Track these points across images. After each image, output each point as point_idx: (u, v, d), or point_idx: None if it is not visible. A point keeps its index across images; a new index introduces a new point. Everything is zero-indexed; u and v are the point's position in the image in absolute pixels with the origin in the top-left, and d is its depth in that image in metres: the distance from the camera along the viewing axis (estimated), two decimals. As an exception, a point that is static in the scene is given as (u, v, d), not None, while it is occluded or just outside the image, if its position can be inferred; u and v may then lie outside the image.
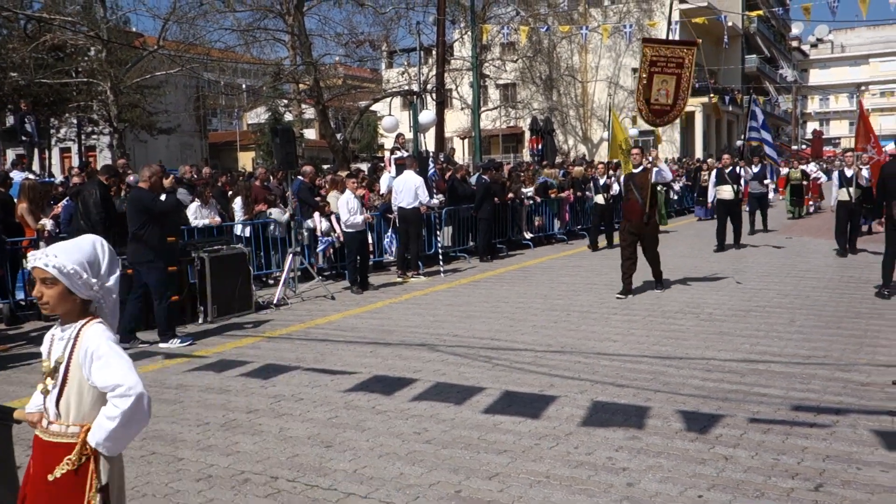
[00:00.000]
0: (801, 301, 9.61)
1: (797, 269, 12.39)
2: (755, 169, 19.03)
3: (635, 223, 10.28)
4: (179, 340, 8.22)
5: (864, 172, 13.81)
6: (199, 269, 9.46)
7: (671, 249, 15.64)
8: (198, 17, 26.17)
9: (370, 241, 13.83)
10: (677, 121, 46.11)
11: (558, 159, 28.42)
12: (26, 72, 24.97)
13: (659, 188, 18.71)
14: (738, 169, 15.88)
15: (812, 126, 73.69)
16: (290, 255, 11.10)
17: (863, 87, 79.57)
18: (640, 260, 10.50)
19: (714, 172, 16.64)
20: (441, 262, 13.22)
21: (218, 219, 11.68)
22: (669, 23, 15.78)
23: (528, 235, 16.93)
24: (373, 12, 28.42)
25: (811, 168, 26.21)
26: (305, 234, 12.30)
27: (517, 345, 7.76)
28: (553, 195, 17.79)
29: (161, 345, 8.15)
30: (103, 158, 31.27)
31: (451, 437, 5.09)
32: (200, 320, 9.45)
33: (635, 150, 10.62)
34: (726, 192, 15.35)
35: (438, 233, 13.82)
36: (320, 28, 40.94)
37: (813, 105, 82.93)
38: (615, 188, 15.48)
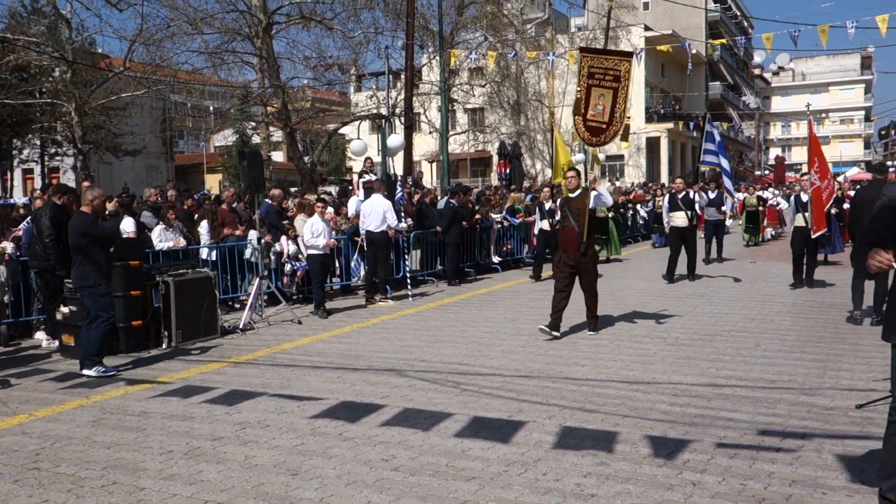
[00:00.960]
0: (765, 325, 9.72)
1: (762, 294, 12.55)
2: (712, 195, 18.08)
3: (572, 253, 9.25)
4: (103, 370, 7.95)
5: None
6: (163, 294, 9.33)
7: (627, 278, 15.76)
8: (165, 39, 26.05)
9: (338, 265, 13.80)
10: (642, 143, 47.28)
11: (526, 183, 28.60)
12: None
13: (611, 214, 18.30)
14: (692, 194, 14.74)
15: (775, 152, 75.10)
16: (258, 279, 10.99)
17: (822, 115, 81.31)
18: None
19: (667, 198, 15.59)
20: (409, 286, 13.18)
21: (183, 241, 11.55)
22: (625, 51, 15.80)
23: (496, 259, 16.96)
24: (341, 36, 28.47)
25: (769, 194, 25.78)
26: (273, 257, 12.20)
27: (485, 370, 7.73)
28: (520, 219, 17.86)
29: (84, 371, 7.93)
30: (67, 180, 30.84)
31: (419, 463, 5.04)
32: (164, 345, 9.31)
33: (570, 173, 9.73)
34: (680, 218, 14.45)
35: (407, 256, 13.79)
36: (289, 51, 41.13)
37: (775, 131, 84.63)
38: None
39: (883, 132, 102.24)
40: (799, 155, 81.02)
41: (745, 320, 10.11)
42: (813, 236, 12.12)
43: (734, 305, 11.42)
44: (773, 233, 24.49)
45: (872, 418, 5.69)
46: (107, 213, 8.43)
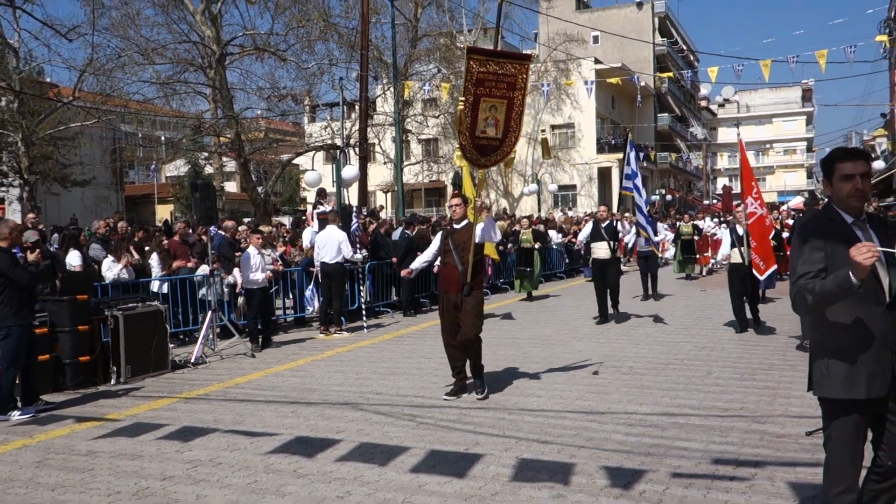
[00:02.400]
0: (717, 353, 9.86)
1: (712, 322, 12.74)
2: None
3: (453, 296, 7.74)
4: (19, 413, 7.65)
5: None
6: (112, 328, 9.13)
7: (578, 307, 15.87)
8: (116, 69, 25.77)
9: (292, 296, 13.68)
10: (593, 173, 48.04)
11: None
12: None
13: (537, 246, 17.20)
14: (616, 223, 13.43)
15: (722, 181, 76.73)
16: (210, 312, 10.83)
17: (766, 146, 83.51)
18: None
19: (589, 226, 14.01)
20: (364, 318, 13.11)
21: (134, 256, 11.34)
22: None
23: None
24: (295, 67, 28.49)
25: (706, 223, 24.11)
26: (226, 290, 12.04)
27: (441, 402, 7.70)
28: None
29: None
30: (12, 211, 30.09)
31: (375, 500, 4.97)
32: (113, 381, 9.08)
33: (454, 200, 8.10)
34: (601, 249, 13.13)
35: (362, 288, 13.72)
36: (242, 82, 41.14)
37: (722, 161, 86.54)
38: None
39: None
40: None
41: (696, 348, 10.25)
42: (761, 277, 10.79)
43: (686, 334, 11.57)
44: (716, 263, 21.91)
45: (822, 444, 5.78)
46: (29, 258, 8.11)
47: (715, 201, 60.07)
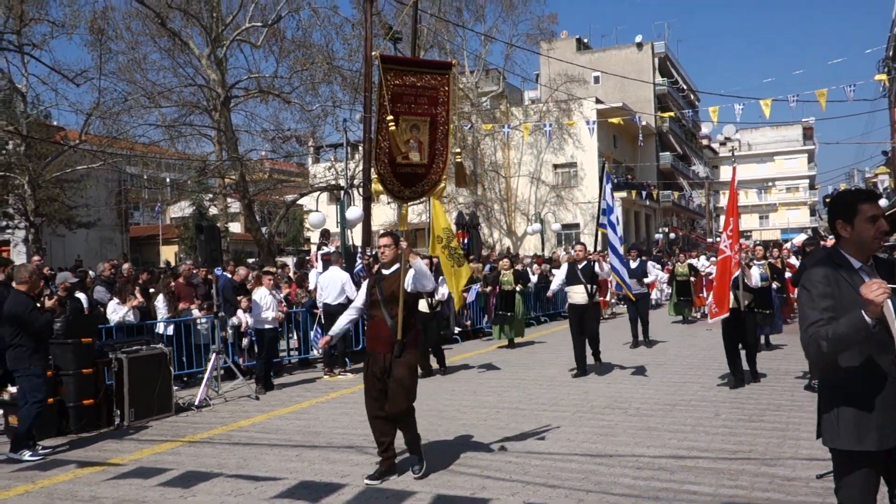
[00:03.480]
0: (724, 394, 9.78)
1: (718, 362, 12.62)
2: (634, 263, 15.69)
3: (380, 356, 6.36)
4: (31, 453, 7.67)
5: (755, 271, 11.56)
6: (116, 371, 9.10)
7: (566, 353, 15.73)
8: (122, 113, 26.06)
9: (296, 337, 13.65)
10: (596, 211, 48.02)
11: (484, 252, 28.79)
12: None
13: (518, 288, 15.69)
14: (593, 264, 11.71)
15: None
16: (213, 354, 10.80)
17: (769, 184, 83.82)
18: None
19: (564, 268, 12.35)
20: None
21: (139, 299, 11.35)
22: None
23: (456, 330, 16.91)
24: (299, 109, 28.79)
25: (701, 263, 21.95)
26: (230, 331, 12.02)
27: (447, 444, 7.63)
28: (481, 289, 17.89)
29: (10, 454, 7.65)
30: (17, 253, 30.23)
31: (381, 547, 4.90)
32: (116, 424, 9.03)
33: (384, 240, 6.64)
34: (578, 293, 11.75)
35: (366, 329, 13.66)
36: (247, 124, 41.35)
37: (725, 200, 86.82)
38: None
39: (827, 199, 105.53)
40: (748, 222, 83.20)
41: (703, 389, 10.17)
42: (709, 321, 10.13)
43: (692, 374, 11.49)
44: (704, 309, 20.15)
45: (833, 488, 5.71)
46: (45, 305, 8.18)
47: (718, 239, 60.16)
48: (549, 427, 8.25)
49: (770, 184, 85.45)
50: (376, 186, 6.70)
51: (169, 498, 6.13)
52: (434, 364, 12.39)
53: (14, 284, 8.03)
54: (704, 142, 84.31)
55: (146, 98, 26.22)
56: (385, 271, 6.63)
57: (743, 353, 10.49)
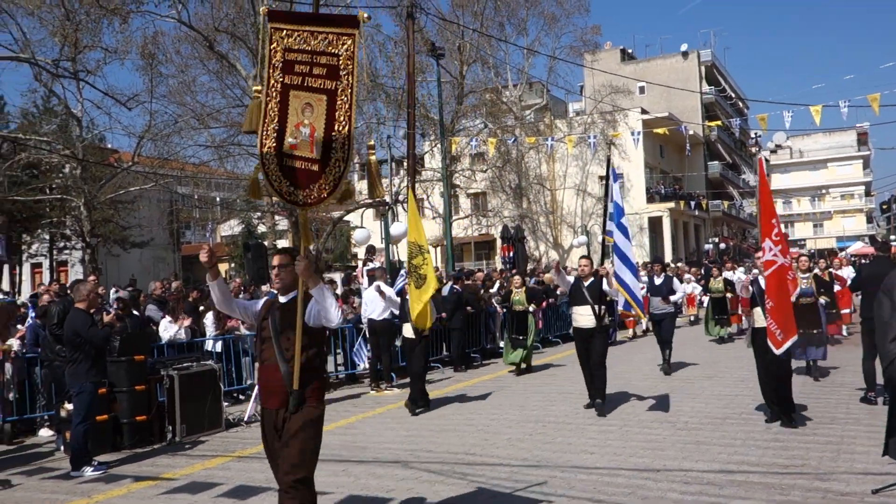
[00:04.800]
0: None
1: (770, 373, 12.40)
2: (658, 279, 13.68)
3: (272, 411, 4.88)
4: (92, 469, 7.86)
5: (802, 283, 10.29)
6: (167, 388, 9.29)
7: (632, 360, 15.53)
8: (173, 134, 26.65)
9: (342, 353, 13.77)
10: (644, 223, 47.95)
11: (530, 266, 28.72)
12: (0, 190, 25.11)
13: (531, 308, 13.98)
14: (602, 280, 9.76)
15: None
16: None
17: (823, 191, 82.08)
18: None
19: (570, 286, 10.40)
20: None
21: (188, 320, 11.58)
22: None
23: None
24: (345, 127, 29.07)
25: (738, 276, 20.35)
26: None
27: (492, 459, 7.62)
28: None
29: (73, 473, 7.83)
30: (75, 273, 31.09)
31: (426, 562, 4.92)
32: (168, 440, 9.21)
33: (278, 258, 5.06)
34: (583, 316, 9.89)
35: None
36: (294, 142, 41.91)
37: (776, 208, 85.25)
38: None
39: (884, 206, 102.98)
40: (802, 231, 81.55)
41: (755, 402, 9.96)
42: (777, 351, 7.94)
43: (743, 387, 11.28)
44: (741, 326, 18.06)
45: None
46: (103, 320, 8.43)
47: (759, 250, 59.01)
48: (595, 441, 8.19)
49: (824, 191, 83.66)
50: (261, 180, 4.97)
51: (218, 512, 6.23)
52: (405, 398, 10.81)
53: (75, 303, 8.28)
54: (754, 150, 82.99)
55: (196, 119, 26.80)
56: (282, 299, 4.98)
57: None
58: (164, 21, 25.25)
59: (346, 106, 4.82)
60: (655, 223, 47.73)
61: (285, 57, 4.92)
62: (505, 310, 15.67)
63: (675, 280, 14.04)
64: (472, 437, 8.73)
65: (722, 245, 53.12)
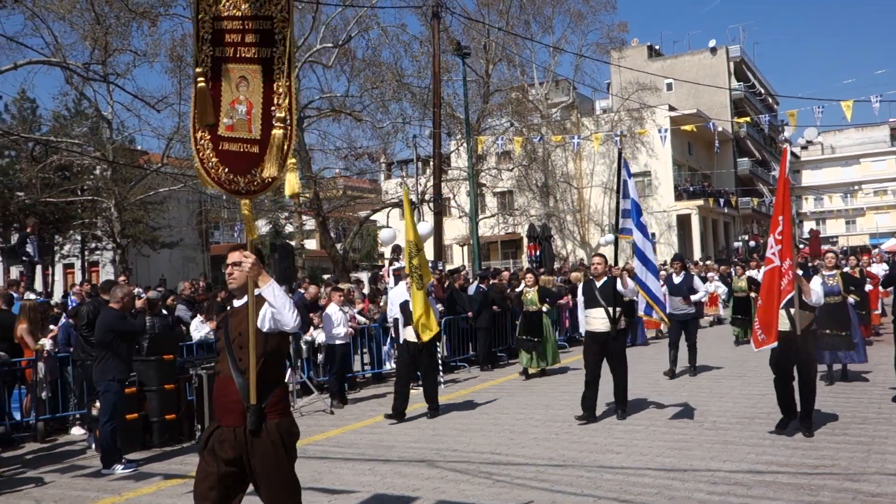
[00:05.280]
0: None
1: (800, 373, 12.25)
2: (677, 278, 12.86)
3: (228, 430, 4.24)
4: (122, 467, 7.97)
5: (816, 284, 8.28)
6: (196, 387, 9.39)
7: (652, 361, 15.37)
8: (201, 136, 26.87)
9: (368, 353, 13.83)
10: (672, 220, 47.70)
11: (557, 264, 28.63)
12: (32, 191, 25.51)
13: (545, 308, 13.38)
14: (617, 282, 9.15)
15: (808, 225, 74.51)
16: (289, 370, 11.03)
17: (855, 187, 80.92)
18: None
19: (580, 288, 9.95)
20: (441, 373, 13.09)
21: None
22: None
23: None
24: (371, 127, 29.23)
25: (761, 275, 19.59)
26: (304, 347, 12.26)
27: (518, 459, 7.61)
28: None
29: (104, 471, 7.94)
30: (106, 274, 31.50)
31: (450, 561, 4.93)
32: (197, 438, 9.30)
33: (235, 255, 4.36)
34: (597, 319, 9.24)
35: (438, 342, 13.74)
36: (320, 142, 42.30)
37: (808, 205, 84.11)
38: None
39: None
40: (834, 228, 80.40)
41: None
42: (754, 349, 7.76)
43: (772, 387, 11.13)
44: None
45: (921, 504, 5.48)
46: (137, 304, 8.56)
47: (802, 246, 58.33)
48: (621, 440, 8.15)
49: (856, 187, 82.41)
50: (196, 165, 4.36)
51: (246, 511, 6.28)
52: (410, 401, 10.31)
53: (109, 303, 8.40)
54: (782, 142, 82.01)
55: (223, 121, 27.03)
56: (236, 303, 4.44)
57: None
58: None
59: (285, 75, 4.21)
60: (684, 221, 47.35)
61: (214, 27, 4.28)
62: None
63: (697, 279, 13.35)
64: (498, 436, 8.73)
65: (752, 243, 52.49)
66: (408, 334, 10.33)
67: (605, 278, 9.33)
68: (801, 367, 7.97)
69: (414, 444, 8.56)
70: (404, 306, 10.50)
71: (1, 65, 19.63)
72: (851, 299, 11.31)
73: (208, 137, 4.26)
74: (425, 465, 7.50)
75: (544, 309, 13.54)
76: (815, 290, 8.01)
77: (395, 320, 12.52)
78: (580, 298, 9.72)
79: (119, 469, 7.92)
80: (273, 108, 4.19)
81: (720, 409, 9.62)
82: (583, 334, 9.79)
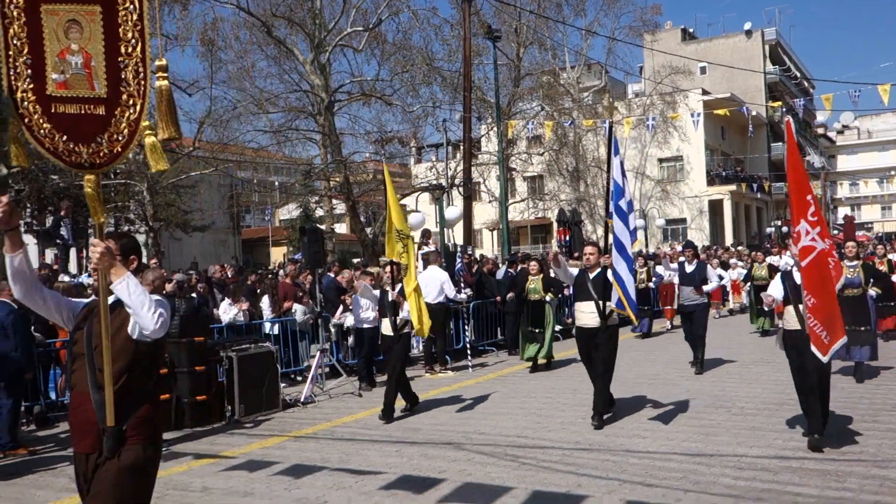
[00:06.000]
0: (835, 394, 9.26)
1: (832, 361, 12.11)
2: (689, 267, 11.95)
3: (83, 455, 3.55)
4: None
5: (848, 272, 9.04)
6: (226, 369, 9.53)
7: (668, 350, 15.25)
8: (232, 120, 27.12)
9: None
10: (704, 206, 47.34)
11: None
12: (67, 175, 25.89)
13: (548, 298, 12.67)
14: (608, 272, 8.22)
15: (843, 211, 73.35)
16: (318, 353, 11.15)
17: (892, 172, 79.38)
18: None
19: (573, 278, 8.77)
20: (469, 357, 13.16)
21: (246, 304, 11.86)
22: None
23: (556, 327, 16.79)
24: (401, 111, 29.23)
25: (784, 262, 17.18)
26: (333, 330, 12.38)
27: (544, 442, 7.64)
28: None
29: None
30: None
31: (474, 541, 4.98)
32: (228, 419, 9.46)
33: (98, 247, 3.45)
34: (586, 314, 8.41)
35: (466, 327, 13.81)
36: (350, 126, 42.39)
37: (843, 191, 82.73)
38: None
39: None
40: (869, 213, 79.03)
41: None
42: (823, 358, 6.53)
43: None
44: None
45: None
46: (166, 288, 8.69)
47: (837, 232, 57.44)
48: (648, 425, 8.14)
49: (893, 172, 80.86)
50: (39, 150, 3.48)
51: (275, 490, 6.40)
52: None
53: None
54: (820, 130, 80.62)
55: (254, 105, 27.21)
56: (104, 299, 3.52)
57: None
58: (223, 7, 25.62)
59: (135, 17, 3.43)
60: (716, 206, 46.86)
61: None
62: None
63: (710, 268, 12.44)
64: (524, 419, 8.76)
65: (784, 228, 51.81)
66: (384, 328, 9.79)
67: (599, 269, 8.43)
68: (813, 369, 6.86)
69: (440, 426, 8.63)
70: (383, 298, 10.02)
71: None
72: (872, 292, 10.55)
73: (33, 99, 3.39)
74: (452, 448, 7.56)
75: (548, 298, 12.72)
76: (839, 280, 7.31)
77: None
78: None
79: None
80: (120, 58, 3.43)
81: (748, 395, 9.56)
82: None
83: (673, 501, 5.59)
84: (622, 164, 8.45)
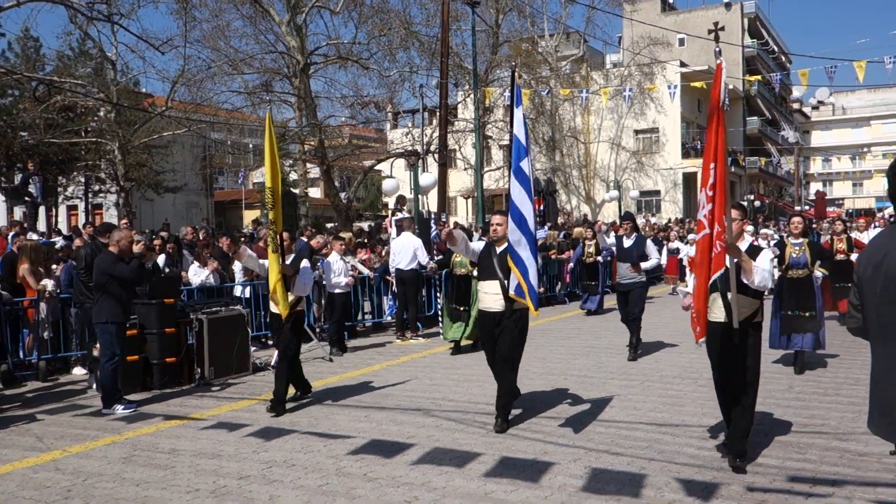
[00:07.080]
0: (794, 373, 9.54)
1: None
2: (627, 241, 10.65)
3: None
4: (122, 407, 8.08)
5: (765, 259, 5.65)
6: (196, 331, 9.48)
7: (657, 314, 15.42)
8: (206, 80, 26.73)
9: (370, 302, 13.91)
10: (678, 178, 47.39)
11: (560, 219, 28.60)
12: (36, 132, 25.41)
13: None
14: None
15: (815, 187, 74.18)
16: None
17: (864, 149, 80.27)
18: None
19: (478, 251, 7.39)
20: (441, 324, 13.19)
21: (215, 263, 11.77)
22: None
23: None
24: (377, 75, 28.96)
25: (765, 234, 18.69)
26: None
27: (513, 410, 7.69)
28: (553, 256, 17.82)
29: (104, 410, 8.04)
30: (109, 216, 31.55)
31: (441, 506, 5.03)
32: (197, 382, 9.43)
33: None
34: (489, 295, 7.04)
35: (439, 294, 13.82)
36: (326, 90, 42.06)
37: (815, 166, 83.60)
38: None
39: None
40: (841, 189, 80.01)
41: (781, 362, 9.94)
42: (696, 344, 6.09)
43: (765, 347, 11.22)
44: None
45: (906, 465, 5.56)
46: (134, 249, 8.54)
47: (807, 207, 58.07)
48: (616, 395, 8.23)
49: (865, 150, 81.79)
50: None
51: (243, 452, 6.40)
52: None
53: (108, 246, 8.41)
54: (795, 105, 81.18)
55: (229, 65, 26.82)
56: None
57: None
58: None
59: None
60: (690, 179, 47.15)
61: None
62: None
63: (650, 243, 11.04)
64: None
65: (757, 203, 52.36)
66: (273, 306, 8.09)
67: (507, 244, 6.75)
68: (737, 371, 5.74)
69: (410, 392, 8.67)
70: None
71: (4, 2, 19.36)
72: (818, 273, 9.52)
73: None
74: (421, 414, 7.60)
75: (474, 273, 10.59)
76: (761, 268, 5.59)
77: (397, 270, 12.60)
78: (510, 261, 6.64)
79: (119, 409, 8.04)
80: None
81: (715, 366, 9.68)
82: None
83: (637, 469, 5.67)
84: (525, 118, 7.19)
